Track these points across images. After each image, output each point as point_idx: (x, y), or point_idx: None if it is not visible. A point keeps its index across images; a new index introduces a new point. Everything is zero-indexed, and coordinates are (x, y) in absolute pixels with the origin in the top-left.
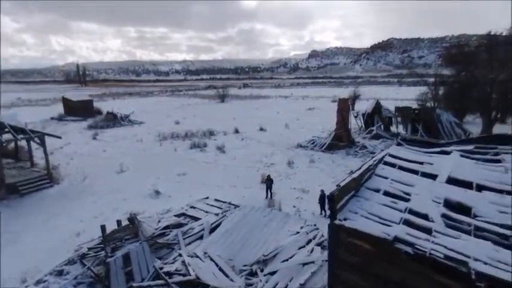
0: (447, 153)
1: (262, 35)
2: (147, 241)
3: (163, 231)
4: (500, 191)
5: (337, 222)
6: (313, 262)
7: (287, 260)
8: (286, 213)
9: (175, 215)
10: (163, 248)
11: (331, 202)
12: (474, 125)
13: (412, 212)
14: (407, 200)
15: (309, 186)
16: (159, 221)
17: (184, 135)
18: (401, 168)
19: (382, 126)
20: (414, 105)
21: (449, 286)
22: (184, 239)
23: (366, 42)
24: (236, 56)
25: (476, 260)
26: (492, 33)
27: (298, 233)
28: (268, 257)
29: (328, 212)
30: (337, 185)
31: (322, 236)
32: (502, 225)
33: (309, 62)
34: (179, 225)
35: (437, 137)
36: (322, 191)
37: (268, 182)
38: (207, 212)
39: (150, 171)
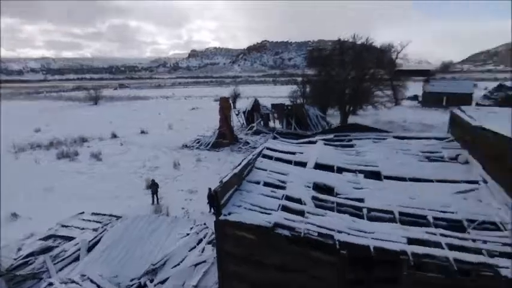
0: (313, 142)
1: (138, 33)
2: (3, 276)
3: (27, 259)
4: (354, 171)
5: (222, 217)
6: (204, 261)
7: (178, 264)
8: (174, 216)
9: (41, 239)
10: (27, 280)
11: (215, 199)
12: (334, 117)
13: (288, 198)
14: (284, 188)
15: (197, 186)
16: (19, 249)
17: (48, 144)
18: (277, 159)
19: (261, 122)
20: (287, 102)
21: (321, 260)
22: (55, 264)
23: (242, 44)
24: (109, 54)
25: (339, 232)
26: (341, 39)
27: (188, 234)
28: (157, 266)
29: None
30: (220, 182)
31: (213, 233)
32: (356, 200)
33: (190, 62)
34: (48, 250)
35: (307, 129)
36: (210, 189)
37: (154, 187)
38: (83, 229)
39: (1, 190)
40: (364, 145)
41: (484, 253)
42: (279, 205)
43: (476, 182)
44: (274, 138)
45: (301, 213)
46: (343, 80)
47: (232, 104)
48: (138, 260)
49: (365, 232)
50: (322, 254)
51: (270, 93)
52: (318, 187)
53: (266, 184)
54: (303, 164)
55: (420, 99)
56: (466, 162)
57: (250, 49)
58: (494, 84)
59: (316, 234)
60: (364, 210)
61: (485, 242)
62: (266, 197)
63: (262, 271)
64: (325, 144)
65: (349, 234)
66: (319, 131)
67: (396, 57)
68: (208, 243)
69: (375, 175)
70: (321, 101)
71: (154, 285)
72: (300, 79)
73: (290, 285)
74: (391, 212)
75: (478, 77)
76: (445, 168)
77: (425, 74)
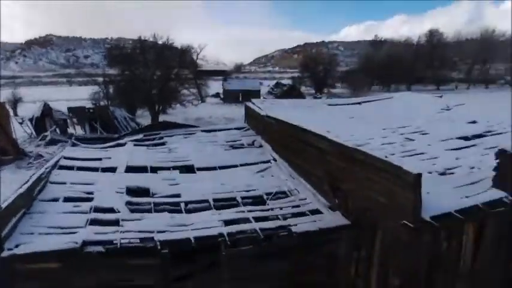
0: (122, 145)
1: None
2: None
3: None
4: (169, 168)
5: (5, 253)
6: None
7: None
8: None
9: None
10: None
11: None
12: (145, 118)
13: (97, 209)
14: (91, 200)
15: None
16: None
17: None
18: (80, 168)
19: (57, 129)
20: (89, 105)
21: (144, 265)
22: None
23: (18, 37)
24: None
25: (160, 231)
26: (142, 38)
27: None
28: None
29: None
30: None
31: None
32: (173, 196)
33: None
34: None
35: (116, 132)
36: None
37: None
38: None
39: None
40: (175, 141)
41: (280, 218)
42: (87, 220)
43: (268, 161)
44: (74, 145)
45: (115, 222)
46: (148, 79)
47: (12, 111)
48: None
49: (185, 225)
50: (143, 260)
51: (66, 96)
52: (131, 191)
53: (67, 199)
54: (112, 170)
55: (222, 96)
56: (260, 146)
57: (31, 44)
58: (274, 82)
59: (137, 240)
60: (182, 205)
61: (280, 208)
62: (69, 214)
63: None
64: (135, 145)
65: (168, 231)
66: (126, 132)
67: (197, 58)
68: None
69: (189, 169)
70: (128, 101)
71: None
72: (101, 79)
73: None
74: (207, 201)
75: (262, 76)
76: (245, 153)
77: (223, 74)
